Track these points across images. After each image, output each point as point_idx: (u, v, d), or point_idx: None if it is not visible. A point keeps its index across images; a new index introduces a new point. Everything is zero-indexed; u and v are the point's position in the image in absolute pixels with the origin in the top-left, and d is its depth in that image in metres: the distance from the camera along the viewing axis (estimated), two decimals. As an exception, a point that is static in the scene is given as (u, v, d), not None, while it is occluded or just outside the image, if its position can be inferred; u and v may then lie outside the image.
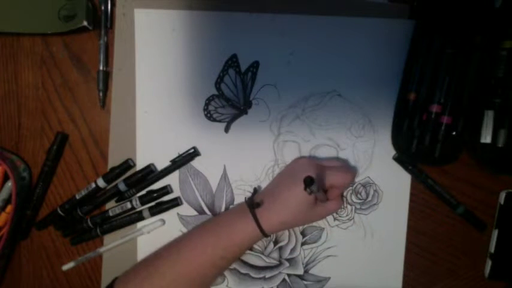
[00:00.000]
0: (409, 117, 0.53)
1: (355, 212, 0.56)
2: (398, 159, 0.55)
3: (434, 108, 0.52)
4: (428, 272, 0.56)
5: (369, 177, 0.56)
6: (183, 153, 0.55)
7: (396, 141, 0.54)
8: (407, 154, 0.54)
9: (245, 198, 0.52)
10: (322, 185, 0.50)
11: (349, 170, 0.53)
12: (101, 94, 0.56)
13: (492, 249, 0.55)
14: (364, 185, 0.55)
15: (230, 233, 0.50)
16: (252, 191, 0.55)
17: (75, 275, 0.58)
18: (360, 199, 0.56)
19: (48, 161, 0.56)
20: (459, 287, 0.57)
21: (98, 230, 0.56)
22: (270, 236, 0.50)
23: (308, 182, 0.41)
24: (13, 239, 0.57)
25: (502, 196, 0.54)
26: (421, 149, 0.53)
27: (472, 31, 0.51)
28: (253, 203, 0.50)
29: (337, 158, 0.55)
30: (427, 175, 0.54)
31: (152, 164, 0.55)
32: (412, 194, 0.55)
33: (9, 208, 0.54)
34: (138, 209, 0.56)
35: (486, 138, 0.53)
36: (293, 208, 0.49)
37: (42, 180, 0.56)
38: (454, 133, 0.53)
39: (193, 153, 0.55)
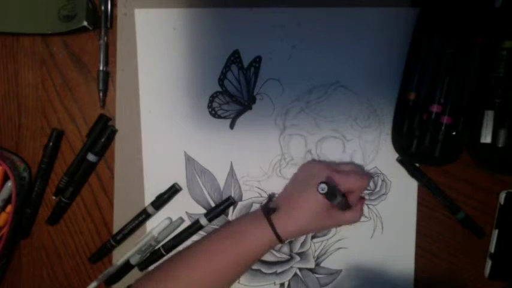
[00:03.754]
0: (409, 117, 0.53)
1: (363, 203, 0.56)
2: (401, 161, 0.55)
3: (435, 108, 0.52)
4: (429, 272, 0.56)
5: (376, 167, 0.56)
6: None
7: (396, 142, 0.54)
8: (407, 154, 0.54)
9: (260, 204, 0.52)
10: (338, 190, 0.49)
11: (364, 173, 0.52)
12: (101, 94, 0.56)
13: (492, 249, 0.55)
14: (372, 175, 0.55)
15: (245, 239, 0.50)
16: (266, 197, 0.55)
17: (75, 275, 0.58)
18: (368, 190, 0.56)
19: (45, 158, 0.56)
20: (459, 287, 0.57)
21: (112, 241, 0.56)
22: (285, 241, 0.50)
23: (329, 192, 0.41)
24: (13, 239, 0.57)
25: (502, 196, 0.54)
26: (421, 149, 0.53)
27: (472, 31, 0.51)
28: (269, 210, 0.50)
29: (352, 162, 0.55)
30: (429, 179, 0.54)
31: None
32: (412, 194, 0.56)
33: (9, 208, 0.54)
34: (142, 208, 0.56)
35: (486, 138, 0.53)
36: (309, 215, 0.49)
37: (40, 177, 0.56)
38: (454, 133, 0.53)
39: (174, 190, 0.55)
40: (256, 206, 0.56)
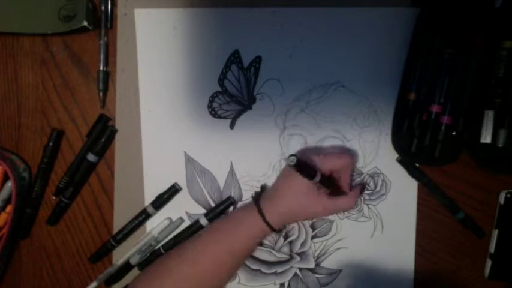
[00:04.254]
0: (409, 117, 0.53)
1: (363, 203, 0.56)
2: (402, 161, 0.55)
3: (435, 108, 0.52)
4: (428, 272, 0.56)
5: (376, 167, 0.56)
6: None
7: (396, 142, 0.54)
8: (407, 154, 0.54)
9: (251, 194, 0.53)
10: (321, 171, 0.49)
11: (345, 152, 0.53)
12: (101, 94, 0.56)
13: (492, 249, 0.55)
14: (371, 176, 0.55)
15: (236, 227, 0.50)
16: (259, 187, 0.56)
17: (75, 275, 0.58)
18: (368, 190, 0.56)
19: (45, 158, 0.56)
20: (459, 287, 0.57)
21: (112, 241, 0.56)
22: (278, 230, 0.50)
23: (299, 165, 0.41)
24: (13, 239, 0.57)
25: (502, 196, 0.54)
26: (421, 149, 0.53)
27: (472, 31, 0.51)
28: (258, 198, 0.51)
29: (332, 146, 0.55)
30: (429, 179, 0.54)
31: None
32: (412, 194, 0.56)
33: (9, 208, 0.54)
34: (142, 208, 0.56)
35: (486, 138, 0.53)
36: (290, 198, 0.49)
37: (40, 177, 0.56)
38: (454, 133, 0.53)
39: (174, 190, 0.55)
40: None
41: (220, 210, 0.55)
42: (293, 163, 0.41)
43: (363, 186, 0.55)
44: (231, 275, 0.54)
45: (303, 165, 0.43)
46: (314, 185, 0.48)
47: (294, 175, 0.47)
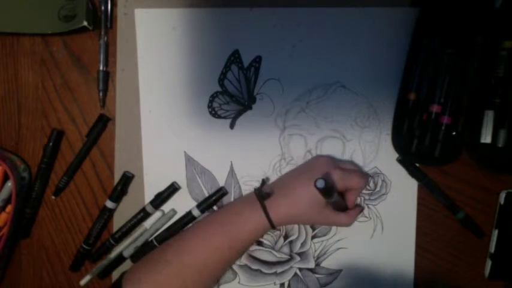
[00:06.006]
0: (409, 117, 0.53)
1: (363, 203, 0.56)
2: (402, 161, 0.55)
3: (435, 108, 0.52)
4: (428, 272, 0.56)
5: (376, 167, 0.56)
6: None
7: (396, 142, 0.54)
8: (407, 154, 0.54)
9: (254, 188, 0.52)
10: (337, 187, 0.49)
11: (365, 173, 0.53)
12: (101, 94, 0.56)
13: (492, 249, 0.55)
14: (371, 176, 0.55)
15: (238, 222, 0.50)
16: (260, 182, 0.55)
17: (75, 274, 0.58)
18: (368, 190, 0.56)
19: (45, 158, 0.56)
20: (459, 287, 0.57)
21: (111, 240, 0.56)
22: (278, 228, 0.50)
23: (326, 188, 0.40)
24: (13, 239, 0.57)
25: (502, 196, 0.54)
26: (421, 149, 0.53)
27: (472, 31, 0.51)
28: (262, 194, 0.50)
29: (352, 162, 0.55)
30: (429, 179, 0.54)
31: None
32: (412, 194, 0.56)
33: (9, 208, 0.54)
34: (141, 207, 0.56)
35: (486, 138, 0.53)
36: (304, 204, 0.49)
37: (40, 177, 0.56)
38: (454, 133, 0.53)
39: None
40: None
41: (212, 200, 0.55)
42: (321, 187, 0.40)
43: (362, 209, 0.55)
44: (228, 267, 0.54)
45: (328, 189, 0.42)
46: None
47: (308, 184, 0.47)
